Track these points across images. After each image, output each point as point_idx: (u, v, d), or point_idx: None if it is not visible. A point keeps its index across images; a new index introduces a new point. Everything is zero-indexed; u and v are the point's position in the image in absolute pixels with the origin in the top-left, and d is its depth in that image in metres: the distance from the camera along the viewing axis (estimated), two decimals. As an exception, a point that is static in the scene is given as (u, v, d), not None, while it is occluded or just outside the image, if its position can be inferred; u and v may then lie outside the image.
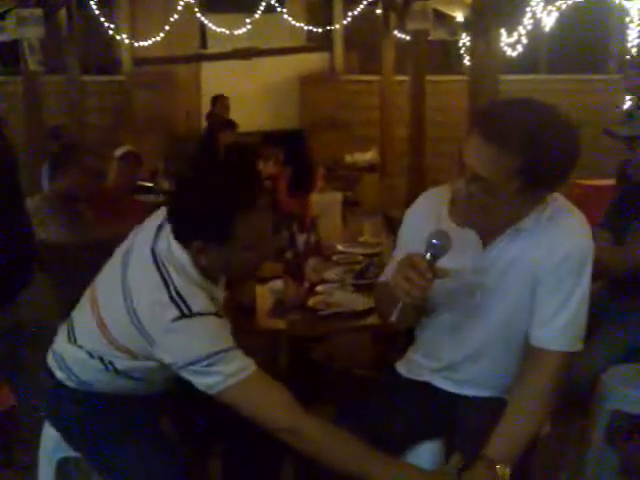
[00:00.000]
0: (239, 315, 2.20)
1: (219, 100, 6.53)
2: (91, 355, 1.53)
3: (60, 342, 1.62)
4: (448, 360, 1.60)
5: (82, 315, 1.57)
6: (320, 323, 2.14)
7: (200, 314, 1.39)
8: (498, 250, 1.46)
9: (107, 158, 3.41)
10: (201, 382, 1.40)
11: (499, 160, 1.28)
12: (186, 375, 1.41)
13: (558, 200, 1.46)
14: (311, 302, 2.21)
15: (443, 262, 1.38)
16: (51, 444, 1.71)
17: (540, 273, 1.43)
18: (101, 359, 1.52)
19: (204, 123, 6.65)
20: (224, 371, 1.38)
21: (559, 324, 1.43)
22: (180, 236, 1.42)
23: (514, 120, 1.30)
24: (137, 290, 1.42)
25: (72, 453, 1.66)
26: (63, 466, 1.73)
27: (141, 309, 1.40)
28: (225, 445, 1.77)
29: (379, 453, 1.38)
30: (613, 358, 2.13)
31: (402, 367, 1.70)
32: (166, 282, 1.39)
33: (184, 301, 1.38)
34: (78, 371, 1.57)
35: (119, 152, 3.42)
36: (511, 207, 1.39)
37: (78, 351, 1.56)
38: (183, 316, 1.37)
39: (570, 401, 2.20)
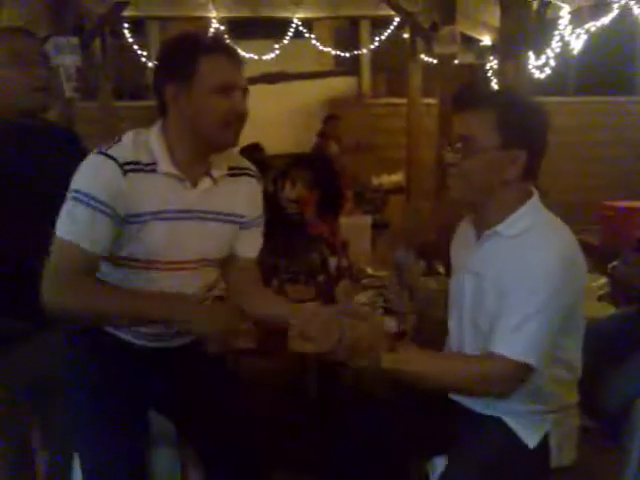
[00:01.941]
0: (270, 337, 2.23)
1: (332, 119, 6.58)
2: None
3: None
4: None
5: None
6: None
7: (106, 154, 1.45)
8: (482, 251, 1.56)
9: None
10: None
11: (477, 117, 1.50)
12: None
13: (536, 210, 1.53)
14: (342, 325, 2.22)
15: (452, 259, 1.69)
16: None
17: (506, 290, 1.47)
18: None
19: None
20: (67, 220, 1.43)
21: (506, 326, 1.43)
22: (156, 86, 1.51)
23: (482, 91, 1.71)
24: None
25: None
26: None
27: None
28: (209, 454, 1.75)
29: (144, 291, 1.50)
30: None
31: None
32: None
33: (109, 147, 1.47)
34: None
35: None
36: (493, 173, 1.49)
37: None
38: (97, 152, 1.46)
39: (603, 428, 2.17)
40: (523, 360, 1.42)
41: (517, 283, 1.44)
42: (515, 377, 1.44)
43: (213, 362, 1.78)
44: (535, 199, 1.55)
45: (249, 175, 1.70)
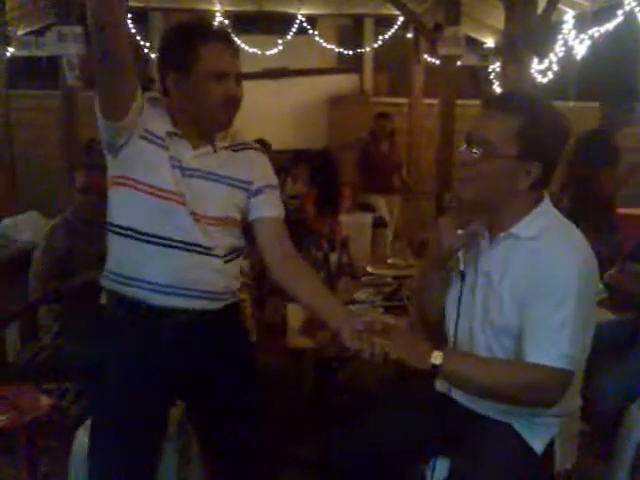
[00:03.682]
0: (268, 333, 2.24)
1: (381, 118, 6.48)
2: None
3: None
4: None
5: None
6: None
7: None
8: (497, 253, 1.56)
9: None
10: None
11: (501, 122, 1.49)
12: None
13: (548, 213, 1.55)
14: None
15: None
16: (82, 452, 1.75)
17: (525, 299, 1.47)
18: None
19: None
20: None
21: (543, 333, 1.43)
22: (160, 71, 1.64)
23: (514, 95, 1.69)
24: None
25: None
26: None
27: None
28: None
29: None
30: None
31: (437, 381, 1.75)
32: None
33: None
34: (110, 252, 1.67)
35: None
36: (506, 180, 1.50)
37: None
38: None
39: (597, 431, 2.18)
40: (567, 367, 1.41)
41: (544, 288, 1.43)
42: (561, 384, 1.43)
43: (238, 338, 1.79)
44: (547, 202, 1.56)
45: (254, 149, 1.79)
